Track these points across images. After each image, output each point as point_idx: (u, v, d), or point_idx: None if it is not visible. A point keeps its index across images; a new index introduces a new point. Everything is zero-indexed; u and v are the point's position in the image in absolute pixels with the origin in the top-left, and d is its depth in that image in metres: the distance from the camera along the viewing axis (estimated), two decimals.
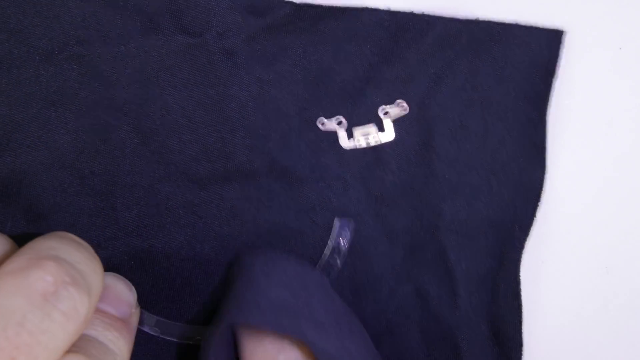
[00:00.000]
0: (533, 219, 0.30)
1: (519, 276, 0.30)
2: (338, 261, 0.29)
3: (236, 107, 0.29)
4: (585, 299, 0.31)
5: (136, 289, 0.26)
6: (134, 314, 0.26)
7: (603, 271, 0.31)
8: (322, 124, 0.29)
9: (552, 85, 0.29)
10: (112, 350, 0.23)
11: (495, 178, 0.30)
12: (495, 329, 0.30)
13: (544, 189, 0.30)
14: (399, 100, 0.29)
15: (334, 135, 0.29)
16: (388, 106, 0.29)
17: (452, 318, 0.29)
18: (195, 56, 0.29)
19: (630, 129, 0.31)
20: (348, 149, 0.29)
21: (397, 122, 0.29)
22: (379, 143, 0.29)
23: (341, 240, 0.29)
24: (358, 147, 0.29)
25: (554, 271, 0.31)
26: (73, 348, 0.21)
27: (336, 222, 0.29)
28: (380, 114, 0.29)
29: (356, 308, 0.29)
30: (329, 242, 0.29)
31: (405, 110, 0.29)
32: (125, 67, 0.29)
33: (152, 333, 0.28)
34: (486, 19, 0.29)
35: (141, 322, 0.28)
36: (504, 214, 0.30)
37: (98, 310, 0.24)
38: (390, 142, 0.29)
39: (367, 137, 0.29)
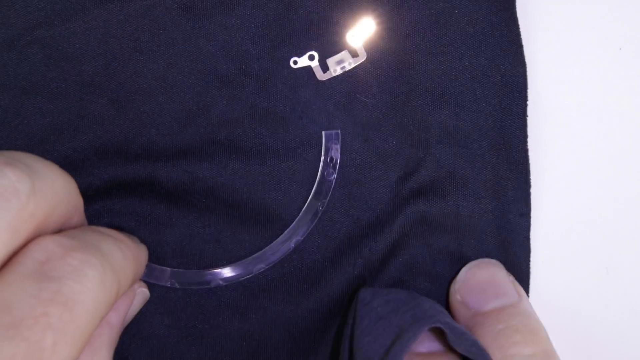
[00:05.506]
0: (525, 118, 0.29)
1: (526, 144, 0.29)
2: (333, 174, 0.29)
3: (206, 60, 0.29)
4: (585, 299, 0.31)
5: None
6: (142, 248, 0.25)
7: (603, 271, 0.31)
8: (295, 62, 0.29)
9: None
10: (101, 248, 0.21)
11: (478, 83, 0.29)
12: (502, 237, 0.29)
13: (527, 85, 0.29)
14: (364, 19, 0.29)
15: (309, 69, 0.29)
16: (357, 30, 0.29)
17: (455, 226, 0.29)
18: (155, 16, 0.28)
19: (630, 129, 0.31)
20: (325, 80, 0.29)
21: (370, 45, 0.29)
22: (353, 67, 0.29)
23: (331, 152, 0.29)
24: (335, 76, 0.29)
25: (554, 271, 0.31)
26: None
27: (324, 135, 0.29)
28: (350, 39, 0.29)
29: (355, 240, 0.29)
30: (321, 157, 0.29)
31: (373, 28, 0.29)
32: (88, 41, 0.28)
33: (169, 286, 0.29)
34: None
35: (157, 278, 0.28)
36: (493, 119, 0.29)
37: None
38: (366, 66, 0.29)
39: (342, 64, 0.29)
